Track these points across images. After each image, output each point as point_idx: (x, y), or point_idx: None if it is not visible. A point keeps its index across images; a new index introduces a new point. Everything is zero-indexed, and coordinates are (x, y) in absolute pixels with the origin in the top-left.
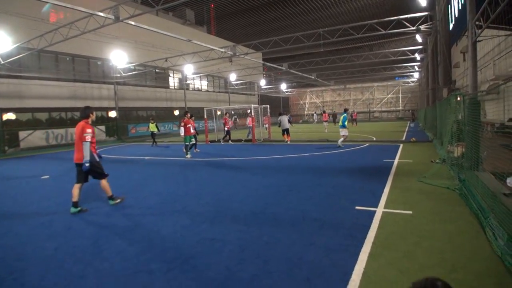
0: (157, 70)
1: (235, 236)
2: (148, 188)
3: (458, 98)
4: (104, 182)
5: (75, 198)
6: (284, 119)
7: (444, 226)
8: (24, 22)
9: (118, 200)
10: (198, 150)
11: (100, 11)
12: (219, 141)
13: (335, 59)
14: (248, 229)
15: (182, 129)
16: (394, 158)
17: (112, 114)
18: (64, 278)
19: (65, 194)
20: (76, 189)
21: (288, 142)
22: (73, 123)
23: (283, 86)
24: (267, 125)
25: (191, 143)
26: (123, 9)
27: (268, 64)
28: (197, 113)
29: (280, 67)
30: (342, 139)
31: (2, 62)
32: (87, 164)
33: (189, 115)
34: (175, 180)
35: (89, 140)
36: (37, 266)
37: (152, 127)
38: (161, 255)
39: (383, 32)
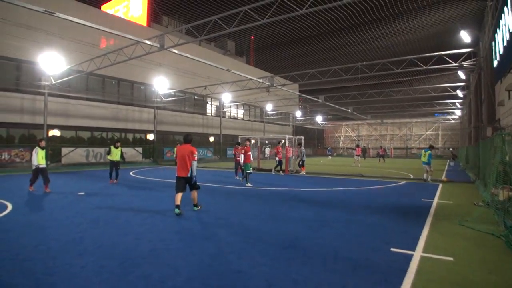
0: (195, 97)
1: (262, 270)
2: (174, 214)
3: (506, 138)
4: (194, 193)
5: (177, 202)
6: (304, 151)
7: (488, 277)
8: (77, 47)
9: (199, 207)
10: (238, 178)
11: (147, 39)
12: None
13: (372, 93)
14: (276, 263)
15: (242, 157)
16: (433, 198)
17: (150, 136)
18: None
19: (97, 212)
20: (178, 196)
21: (304, 173)
22: (113, 143)
23: (319, 118)
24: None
25: (247, 171)
26: (168, 38)
27: (304, 95)
28: (231, 141)
29: (316, 99)
30: (429, 176)
31: (54, 82)
32: (195, 177)
33: (248, 142)
34: (204, 207)
35: (196, 159)
36: (64, 283)
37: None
38: (185, 284)
39: (424, 67)
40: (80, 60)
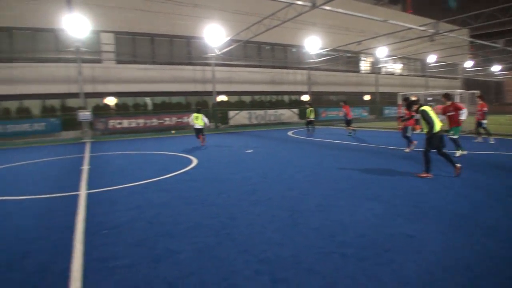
0: (348, 54)
1: (437, 237)
2: (341, 172)
3: None
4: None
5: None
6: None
7: None
8: (235, 17)
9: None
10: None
11: (298, 0)
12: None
13: None
14: (452, 232)
15: (462, 115)
16: None
17: (304, 98)
18: (266, 243)
19: (265, 168)
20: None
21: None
22: (271, 105)
23: (495, 68)
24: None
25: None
26: None
27: (477, 41)
28: (388, 99)
29: (493, 45)
30: None
31: (218, 53)
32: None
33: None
34: (367, 165)
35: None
36: (244, 227)
37: (309, 112)
38: (354, 241)
39: None
40: (238, 30)
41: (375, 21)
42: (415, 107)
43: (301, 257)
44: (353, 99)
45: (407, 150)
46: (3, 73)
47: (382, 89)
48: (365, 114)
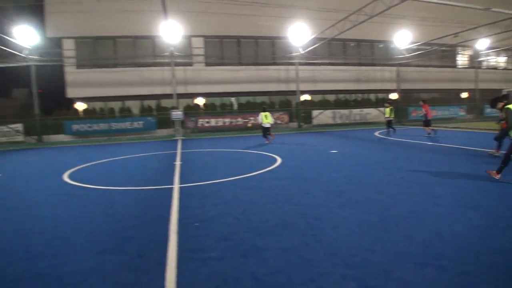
0: (443, 48)
1: None
2: (434, 176)
3: None
4: None
5: None
6: None
7: None
8: (320, 15)
9: None
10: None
11: None
12: None
13: None
14: None
15: None
16: None
17: (393, 96)
18: (354, 247)
19: (351, 169)
20: None
21: None
22: (356, 103)
23: None
24: None
25: None
26: None
27: None
28: (489, 96)
29: None
30: None
31: (302, 52)
32: None
33: None
34: (465, 170)
35: None
36: (330, 229)
37: (388, 112)
38: (452, 253)
39: None
40: (323, 28)
41: (476, 10)
42: (500, 105)
43: (392, 265)
44: (448, 97)
45: (491, 151)
46: (108, 77)
47: (482, 86)
48: (463, 113)
